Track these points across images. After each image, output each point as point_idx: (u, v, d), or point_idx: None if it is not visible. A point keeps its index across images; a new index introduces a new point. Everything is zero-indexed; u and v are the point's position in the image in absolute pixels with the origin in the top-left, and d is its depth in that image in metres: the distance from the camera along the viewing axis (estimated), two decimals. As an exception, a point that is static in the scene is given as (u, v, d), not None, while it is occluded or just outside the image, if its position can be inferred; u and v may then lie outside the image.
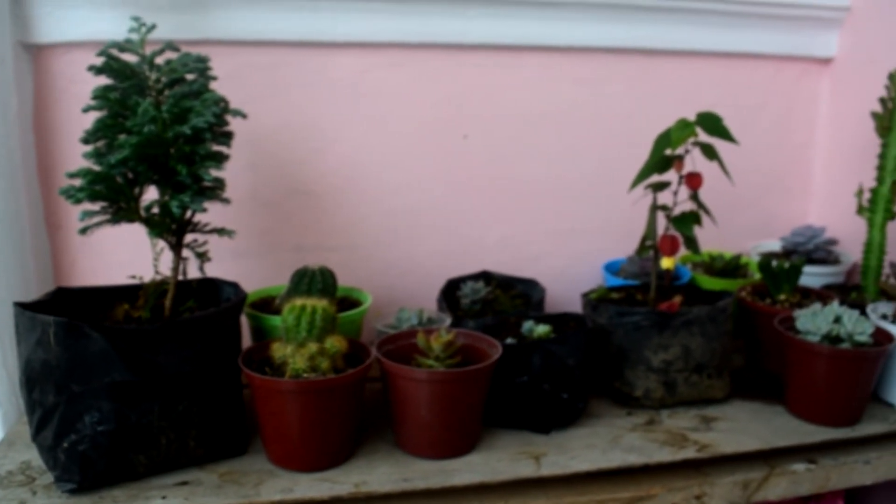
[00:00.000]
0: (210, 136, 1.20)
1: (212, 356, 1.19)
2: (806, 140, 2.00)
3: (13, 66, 1.40)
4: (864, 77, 1.81)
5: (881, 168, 1.59)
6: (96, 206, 1.16)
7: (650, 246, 1.47)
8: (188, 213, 1.23)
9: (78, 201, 1.12)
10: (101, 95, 1.15)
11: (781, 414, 1.41)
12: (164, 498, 1.11)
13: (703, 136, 1.38)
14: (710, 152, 1.39)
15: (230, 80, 1.53)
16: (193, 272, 1.30)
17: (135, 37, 1.21)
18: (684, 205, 1.43)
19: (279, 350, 1.21)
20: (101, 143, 1.17)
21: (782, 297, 1.59)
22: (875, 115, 1.60)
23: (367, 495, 1.14)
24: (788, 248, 1.86)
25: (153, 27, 1.22)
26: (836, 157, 1.96)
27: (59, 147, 1.51)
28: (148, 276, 1.27)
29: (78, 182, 1.12)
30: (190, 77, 1.22)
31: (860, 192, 1.64)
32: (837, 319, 1.37)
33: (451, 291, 1.65)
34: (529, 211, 1.83)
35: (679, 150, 1.39)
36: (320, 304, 1.22)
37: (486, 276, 1.74)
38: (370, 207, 1.72)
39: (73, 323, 1.07)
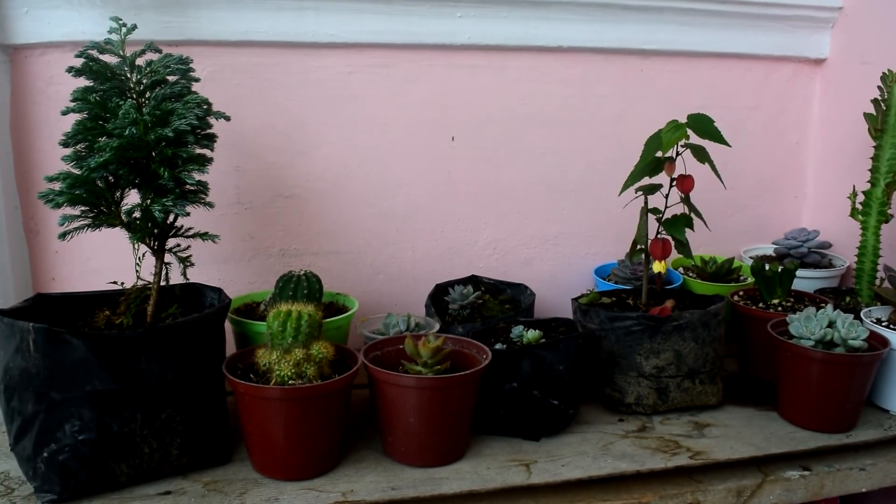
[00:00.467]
0: (193, 138, 1.18)
1: (195, 363, 1.17)
2: (798, 142, 1.99)
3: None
4: (857, 78, 1.80)
5: (874, 170, 1.58)
6: (76, 211, 1.14)
7: (641, 250, 1.45)
8: (171, 218, 1.21)
9: (57, 206, 1.10)
10: (81, 97, 1.14)
11: (775, 420, 1.40)
12: (145, 509, 1.10)
13: (695, 139, 1.37)
14: (701, 155, 1.38)
15: (213, 81, 1.52)
16: (176, 277, 1.28)
17: (115, 37, 1.19)
18: (675, 208, 1.42)
19: (264, 356, 1.19)
20: (81, 146, 1.15)
21: (775, 301, 1.58)
22: (868, 117, 1.59)
23: (353, 505, 1.12)
24: (781, 252, 1.85)
25: (134, 28, 1.20)
26: (828, 159, 1.95)
27: (38, 150, 1.49)
28: (129, 281, 1.25)
29: (57, 186, 1.10)
30: (172, 78, 1.20)
31: (853, 195, 1.62)
32: (831, 324, 1.35)
33: (439, 296, 1.64)
34: (518, 214, 1.81)
35: (670, 153, 1.38)
36: (306, 309, 1.20)
37: (474, 281, 1.72)
38: (356, 211, 1.70)
39: (52, 330, 1.05)
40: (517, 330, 1.40)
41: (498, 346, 1.35)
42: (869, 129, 1.59)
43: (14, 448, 1.12)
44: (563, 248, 1.87)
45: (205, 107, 1.19)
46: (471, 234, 1.79)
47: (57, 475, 1.08)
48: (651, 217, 1.44)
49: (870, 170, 1.59)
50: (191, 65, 1.21)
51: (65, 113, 1.14)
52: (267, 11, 1.52)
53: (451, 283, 1.67)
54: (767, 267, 1.59)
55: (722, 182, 1.39)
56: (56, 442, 1.08)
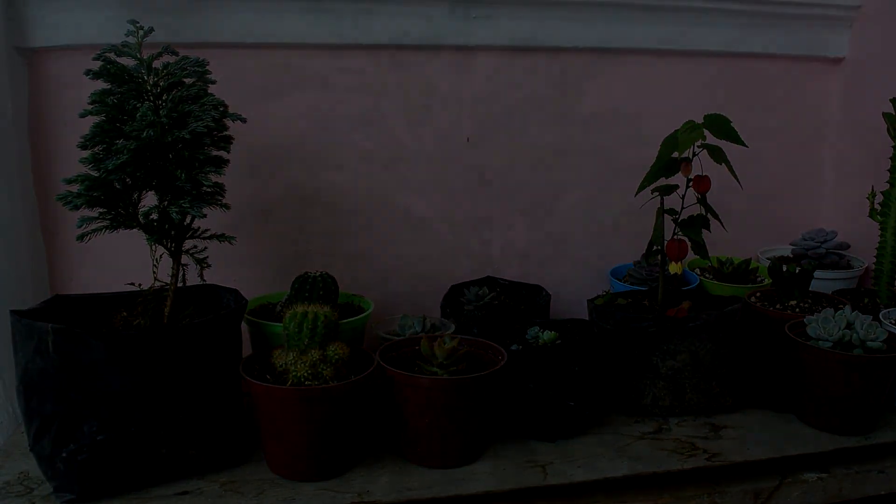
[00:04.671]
0: (209, 140, 1.19)
1: (212, 364, 1.18)
2: (816, 142, 1.97)
3: (8, 70, 1.39)
4: (876, 77, 1.78)
5: (893, 170, 1.57)
6: (94, 213, 1.15)
7: (657, 251, 1.45)
8: (187, 219, 1.22)
9: (75, 207, 1.11)
10: (99, 100, 1.14)
11: (792, 422, 1.39)
12: (162, 509, 1.10)
13: (711, 139, 1.36)
14: (717, 155, 1.37)
15: (229, 83, 1.52)
16: (193, 279, 1.29)
17: (132, 40, 1.20)
18: (692, 209, 1.41)
19: (280, 357, 1.19)
20: (98, 148, 1.16)
21: (793, 302, 1.57)
22: (887, 116, 1.57)
23: (369, 506, 1.12)
24: (799, 253, 1.83)
25: (151, 30, 1.20)
26: (846, 159, 1.93)
27: (56, 152, 1.50)
28: (147, 283, 1.25)
29: (75, 188, 1.11)
30: (188, 81, 1.20)
31: (872, 195, 1.61)
32: (849, 325, 1.34)
33: (454, 297, 1.63)
34: (534, 215, 1.81)
35: (686, 153, 1.37)
36: (322, 310, 1.20)
37: (490, 282, 1.72)
38: (372, 212, 1.70)
39: (71, 330, 1.06)
40: (533, 331, 1.39)
41: (514, 347, 1.34)
42: (888, 129, 1.58)
43: (33, 448, 1.12)
44: (578, 249, 1.86)
45: (221, 109, 1.20)
46: (487, 235, 1.79)
47: (76, 475, 1.09)
48: (667, 218, 1.43)
49: (888, 170, 1.58)
50: (207, 67, 1.22)
51: (83, 115, 1.15)
52: (284, 13, 1.52)
53: (467, 284, 1.67)
54: (785, 268, 1.58)
55: (739, 182, 1.39)
56: (75, 442, 1.09)
